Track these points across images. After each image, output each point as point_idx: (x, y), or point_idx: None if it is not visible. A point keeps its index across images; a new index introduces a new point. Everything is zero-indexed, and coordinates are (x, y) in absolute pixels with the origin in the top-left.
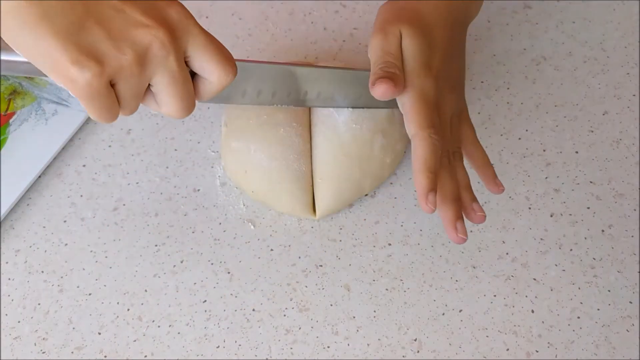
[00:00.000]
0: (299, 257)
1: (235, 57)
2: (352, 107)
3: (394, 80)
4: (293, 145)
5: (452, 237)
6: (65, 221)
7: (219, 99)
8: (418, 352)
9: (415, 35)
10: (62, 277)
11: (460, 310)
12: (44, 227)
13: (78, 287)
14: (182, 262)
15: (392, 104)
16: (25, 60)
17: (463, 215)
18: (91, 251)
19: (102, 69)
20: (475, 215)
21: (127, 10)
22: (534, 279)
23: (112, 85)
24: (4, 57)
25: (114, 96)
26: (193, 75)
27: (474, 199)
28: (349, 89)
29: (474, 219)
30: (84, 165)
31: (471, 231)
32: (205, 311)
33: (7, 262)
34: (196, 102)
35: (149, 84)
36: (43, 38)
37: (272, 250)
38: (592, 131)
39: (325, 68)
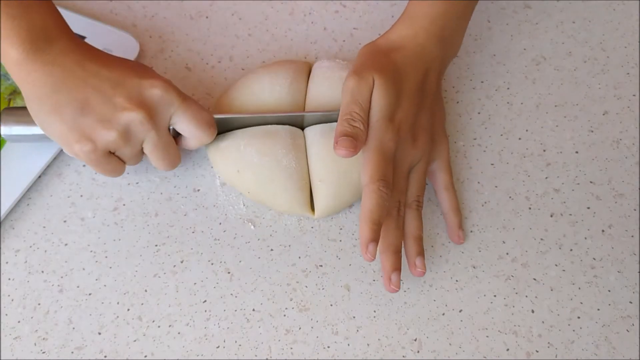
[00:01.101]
0: (299, 257)
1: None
2: None
3: (355, 139)
4: (280, 138)
5: (385, 287)
6: (65, 221)
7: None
8: (418, 352)
9: (385, 86)
10: (62, 277)
11: (460, 310)
12: (44, 227)
13: (78, 287)
14: (182, 262)
15: None
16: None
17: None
18: (91, 251)
19: (95, 145)
20: (415, 270)
21: (115, 98)
22: (534, 279)
23: (113, 152)
24: (36, 132)
25: (115, 160)
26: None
27: (419, 253)
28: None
29: (413, 273)
30: (84, 165)
31: (471, 231)
32: (205, 311)
33: (7, 262)
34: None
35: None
36: (55, 124)
37: (272, 250)
38: (592, 131)
39: (301, 114)
